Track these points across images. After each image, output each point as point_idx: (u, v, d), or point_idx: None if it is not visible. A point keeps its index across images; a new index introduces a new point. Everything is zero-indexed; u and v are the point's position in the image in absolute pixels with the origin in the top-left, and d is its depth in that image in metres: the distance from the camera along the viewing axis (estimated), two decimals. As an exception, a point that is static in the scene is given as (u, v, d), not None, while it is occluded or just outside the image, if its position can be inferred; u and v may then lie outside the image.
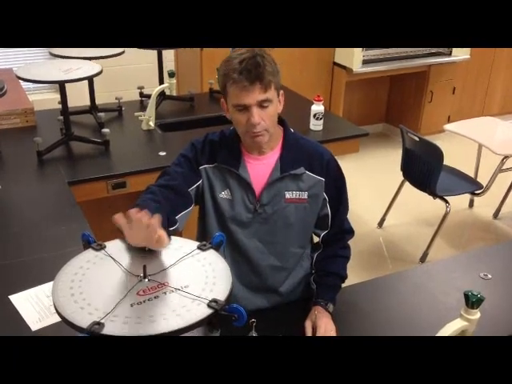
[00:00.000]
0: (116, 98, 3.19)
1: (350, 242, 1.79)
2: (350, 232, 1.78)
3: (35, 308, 1.59)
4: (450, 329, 1.33)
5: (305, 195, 1.65)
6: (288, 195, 1.64)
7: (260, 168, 1.64)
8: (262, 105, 1.51)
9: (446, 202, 3.49)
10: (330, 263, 1.74)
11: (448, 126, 3.94)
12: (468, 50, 4.93)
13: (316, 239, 1.82)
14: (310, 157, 1.65)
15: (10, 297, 1.63)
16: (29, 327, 1.52)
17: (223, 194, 1.64)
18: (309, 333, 1.58)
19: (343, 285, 1.80)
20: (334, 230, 1.74)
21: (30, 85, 3.94)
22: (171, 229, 1.45)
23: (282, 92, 1.59)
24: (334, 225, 1.73)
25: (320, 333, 1.56)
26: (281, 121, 1.67)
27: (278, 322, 1.65)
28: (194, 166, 1.63)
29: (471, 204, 4.21)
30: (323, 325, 1.58)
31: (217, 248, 1.25)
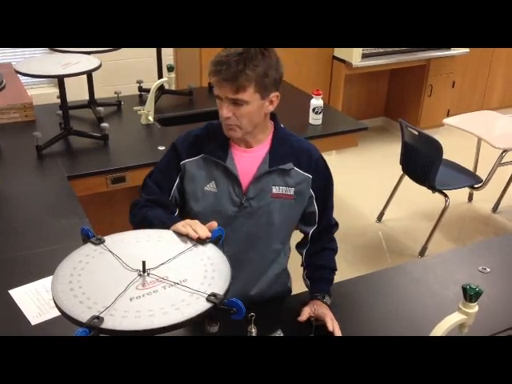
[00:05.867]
0: (115, 93, 3.19)
1: (349, 236, 1.80)
2: (336, 225, 1.79)
3: (35, 302, 1.59)
4: (448, 322, 1.33)
5: (291, 191, 1.63)
6: (275, 190, 1.62)
7: (248, 161, 1.62)
8: (235, 102, 1.50)
9: (445, 195, 3.49)
10: (319, 257, 1.74)
11: (447, 120, 3.94)
12: (468, 43, 4.91)
13: (300, 235, 1.80)
14: (298, 153, 1.64)
15: (9, 291, 1.63)
16: (28, 321, 1.52)
17: (208, 187, 1.62)
18: (304, 316, 1.58)
19: (342, 279, 1.81)
20: (323, 227, 1.74)
21: (29, 79, 3.92)
22: None
23: (276, 94, 1.55)
24: (321, 222, 1.73)
25: (328, 321, 1.56)
26: (272, 115, 1.65)
27: (277, 315, 1.66)
28: (175, 165, 1.64)
29: (470, 198, 4.22)
30: (328, 313, 1.59)
31: (216, 242, 1.26)
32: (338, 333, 1.54)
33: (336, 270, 1.75)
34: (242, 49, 1.47)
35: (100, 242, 1.23)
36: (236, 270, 1.67)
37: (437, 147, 3.30)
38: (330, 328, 1.54)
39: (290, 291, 1.86)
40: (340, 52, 4.60)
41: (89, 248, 1.22)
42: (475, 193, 4.10)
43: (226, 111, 1.51)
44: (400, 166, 3.71)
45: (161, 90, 3.24)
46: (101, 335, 0.99)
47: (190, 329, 1.51)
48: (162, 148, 2.66)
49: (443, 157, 3.34)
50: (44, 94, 4.00)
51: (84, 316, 1.00)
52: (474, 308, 1.33)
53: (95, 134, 2.71)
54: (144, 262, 1.13)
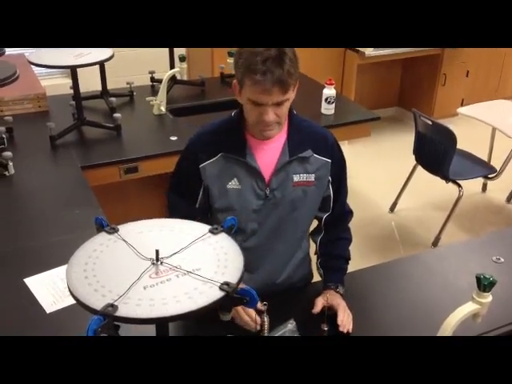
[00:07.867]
0: (127, 83, 3.19)
1: (362, 226, 1.80)
2: (350, 213, 1.79)
3: (50, 291, 1.61)
4: (462, 312, 1.32)
5: (312, 177, 1.64)
6: (296, 178, 1.62)
7: (267, 152, 1.62)
8: (279, 103, 1.48)
9: (459, 185, 3.47)
10: (334, 246, 1.75)
11: (461, 110, 3.91)
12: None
13: (315, 222, 1.80)
14: (315, 139, 1.64)
15: (24, 280, 1.65)
16: (44, 310, 1.54)
17: (231, 184, 1.62)
18: (318, 307, 1.59)
19: (355, 268, 1.81)
20: (337, 213, 1.74)
21: (42, 70, 3.93)
22: None
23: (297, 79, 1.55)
24: (336, 207, 1.73)
25: (341, 310, 1.57)
26: None
27: (290, 304, 1.66)
28: (194, 171, 1.63)
29: (484, 188, 4.18)
30: (341, 303, 1.59)
31: (228, 231, 1.26)
32: (348, 325, 1.55)
33: (350, 259, 1.75)
34: (271, 50, 1.42)
35: (114, 231, 1.24)
36: (261, 260, 1.70)
37: (451, 137, 3.28)
38: (340, 320, 1.55)
39: (313, 275, 1.87)
40: (353, 41, 4.57)
41: (103, 237, 1.22)
42: (489, 183, 4.07)
43: (271, 115, 1.49)
44: (413, 156, 3.68)
45: (173, 80, 3.24)
46: (115, 323, 1.00)
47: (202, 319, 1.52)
48: (174, 138, 2.66)
49: (457, 147, 3.32)
50: (57, 84, 4.02)
51: (98, 304, 1.01)
52: (488, 298, 1.32)
53: (108, 125, 2.72)
54: (157, 251, 1.13)
